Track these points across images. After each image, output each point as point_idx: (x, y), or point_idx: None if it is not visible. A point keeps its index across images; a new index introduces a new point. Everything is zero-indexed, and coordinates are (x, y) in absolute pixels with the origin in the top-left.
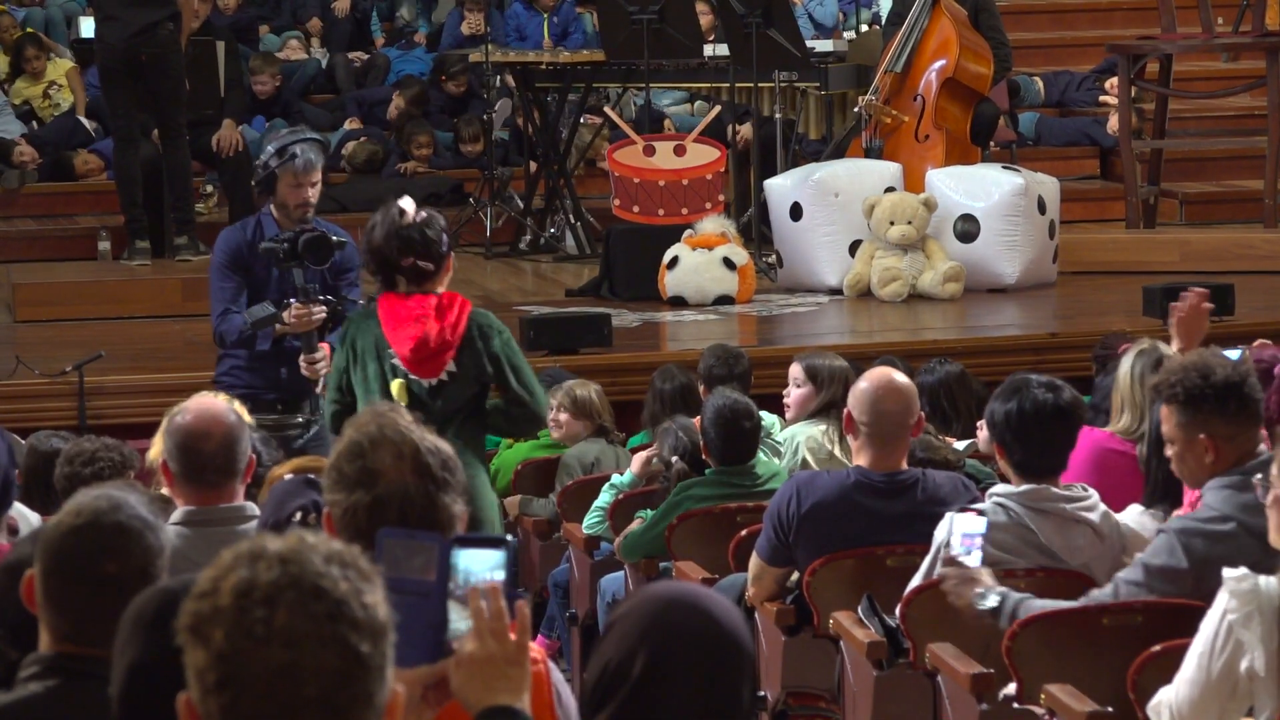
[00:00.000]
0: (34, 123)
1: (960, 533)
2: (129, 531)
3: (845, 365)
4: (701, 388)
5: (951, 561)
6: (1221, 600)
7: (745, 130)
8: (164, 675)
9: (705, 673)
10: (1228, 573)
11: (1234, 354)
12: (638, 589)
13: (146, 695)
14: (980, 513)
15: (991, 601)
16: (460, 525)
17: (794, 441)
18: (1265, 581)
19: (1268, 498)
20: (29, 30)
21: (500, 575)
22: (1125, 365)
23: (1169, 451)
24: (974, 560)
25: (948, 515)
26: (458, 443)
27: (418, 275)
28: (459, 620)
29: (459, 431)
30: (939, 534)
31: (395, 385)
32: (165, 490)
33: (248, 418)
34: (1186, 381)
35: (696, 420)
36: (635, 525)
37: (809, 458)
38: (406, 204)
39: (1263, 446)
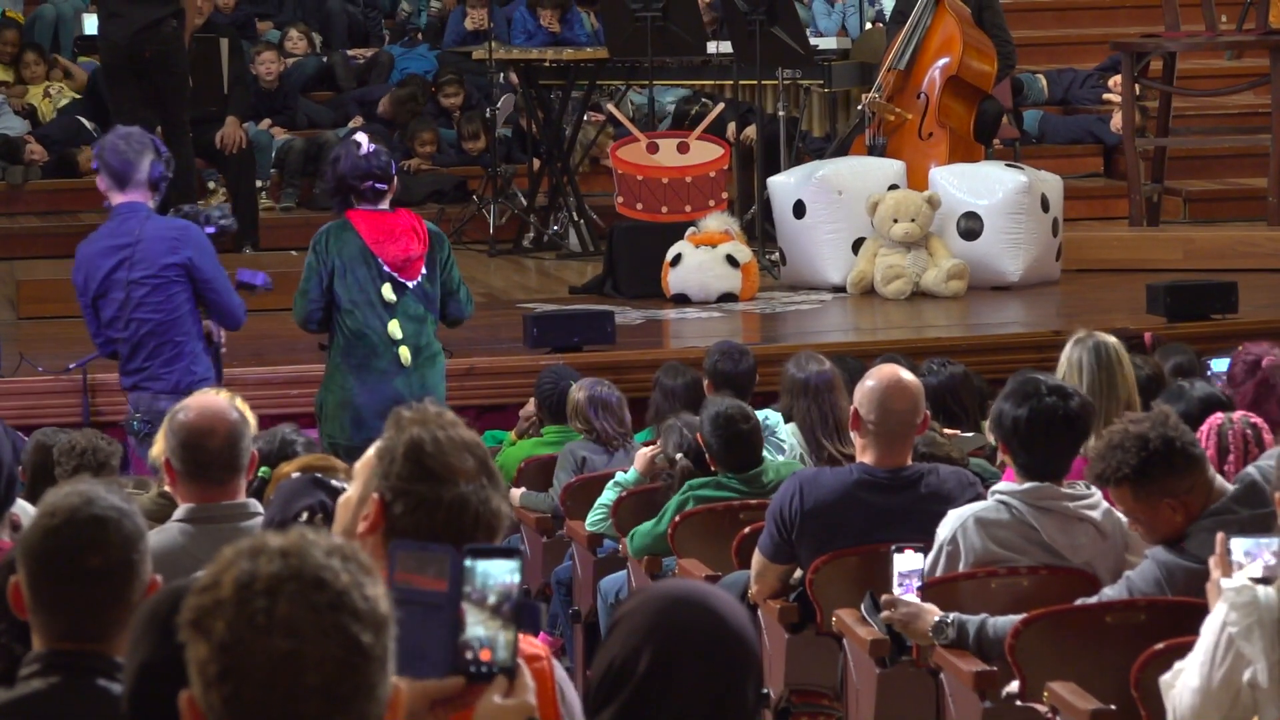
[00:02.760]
0: (35, 118)
1: (898, 570)
2: (106, 522)
3: (817, 370)
4: (706, 383)
5: (892, 602)
6: (1220, 611)
7: (750, 131)
8: (174, 674)
9: (711, 671)
10: (1226, 583)
11: (1223, 363)
12: (642, 587)
13: (156, 694)
14: (919, 549)
15: (950, 635)
16: (508, 525)
17: (789, 440)
18: (1265, 593)
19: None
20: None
21: (516, 579)
22: (1065, 357)
23: (1134, 528)
24: (911, 597)
25: (949, 513)
26: (431, 335)
27: (374, 195)
28: (477, 626)
29: (433, 325)
30: (942, 530)
31: (392, 324)
32: (168, 488)
33: (249, 414)
34: (1129, 460)
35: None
36: (646, 523)
37: (804, 455)
38: (361, 138)
39: (1218, 478)
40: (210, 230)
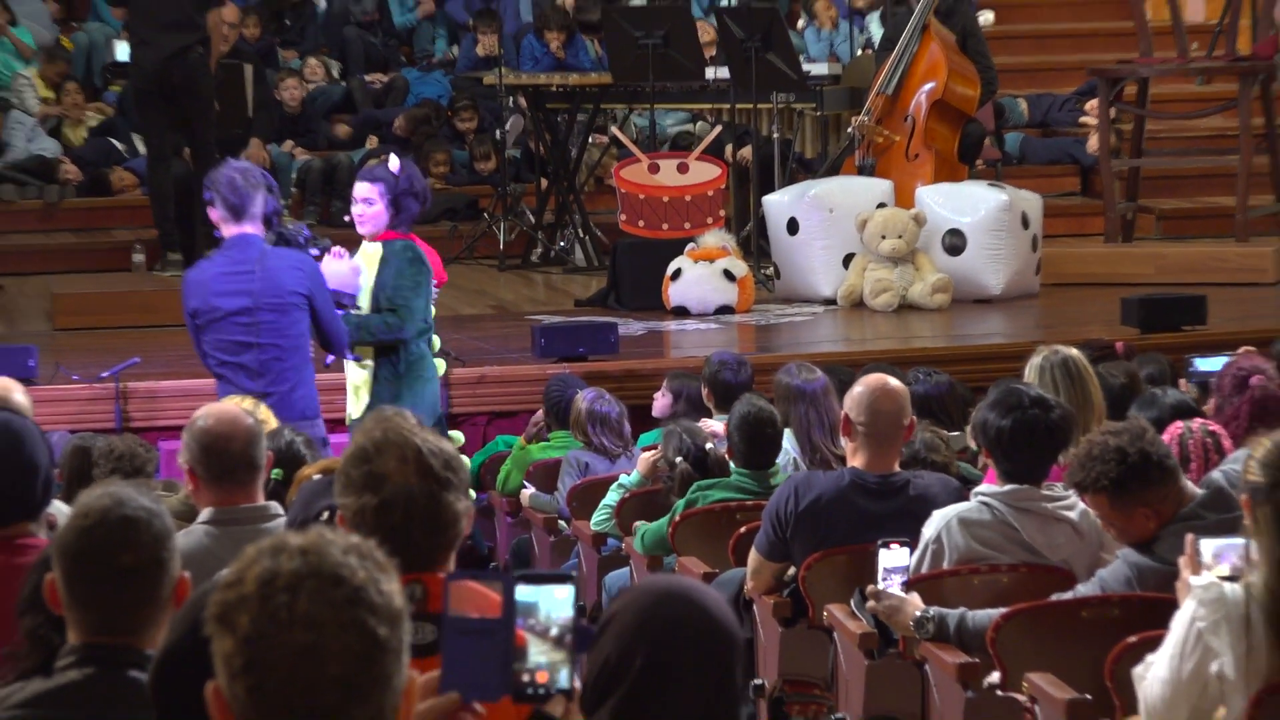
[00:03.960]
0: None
1: (883, 565)
2: (137, 523)
3: (813, 377)
4: (706, 392)
5: (876, 594)
6: (1189, 607)
7: (745, 152)
8: (193, 659)
9: (703, 661)
10: (1194, 580)
11: (1218, 362)
12: (628, 587)
13: (177, 676)
14: (904, 544)
15: (930, 629)
16: (466, 522)
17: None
18: (1231, 590)
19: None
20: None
21: (573, 611)
22: (1033, 369)
23: (1107, 529)
24: (895, 591)
25: (934, 514)
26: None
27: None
28: (539, 655)
29: None
30: (928, 529)
31: (435, 339)
32: (190, 493)
33: (268, 417)
34: (1109, 472)
35: (702, 423)
36: (656, 523)
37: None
38: (395, 160)
39: (1189, 484)
40: (314, 253)
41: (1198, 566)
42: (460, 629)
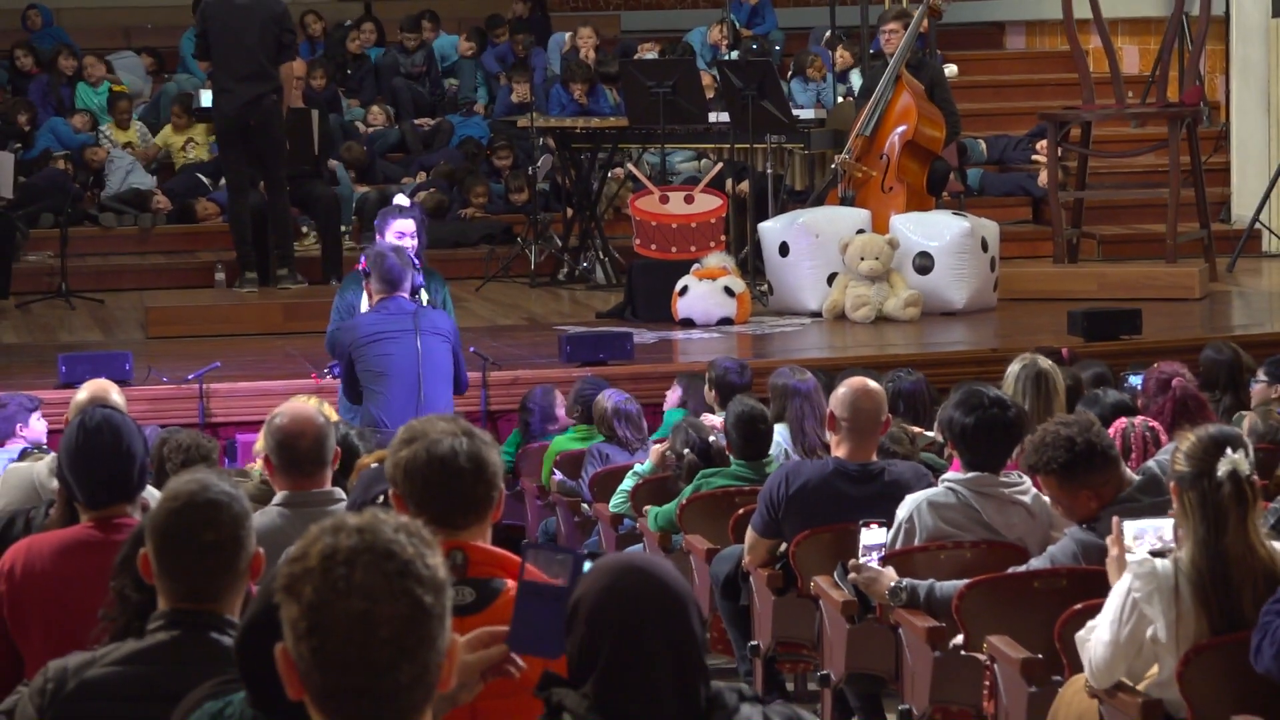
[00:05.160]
0: (159, 173)
1: (864, 543)
2: (219, 505)
3: (805, 378)
4: (713, 393)
5: (857, 567)
6: (1126, 579)
7: (744, 185)
8: (270, 628)
9: (664, 620)
10: (1130, 558)
11: (1138, 378)
12: (590, 572)
13: (257, 643)
14: (883, 524)
15: (902, 598)
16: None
17: (775, 439)
18: (1162, 565)
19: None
20: (183, 93)
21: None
22: (1011, 375)
23: (1055, 508)
24: (874, 565)
25: (906, 498)
26: None
27: None
28: None
29: None
30: (901, 511)
31: None
32: (267, 477)
33: (334, 416)
34: (1058, 457)
35: (704, 418)
36: (666, 505)
37: (789, 451)
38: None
39: (1128, 471)
40: (419, 283)
41: (1121, 545)
42: (532, 591)
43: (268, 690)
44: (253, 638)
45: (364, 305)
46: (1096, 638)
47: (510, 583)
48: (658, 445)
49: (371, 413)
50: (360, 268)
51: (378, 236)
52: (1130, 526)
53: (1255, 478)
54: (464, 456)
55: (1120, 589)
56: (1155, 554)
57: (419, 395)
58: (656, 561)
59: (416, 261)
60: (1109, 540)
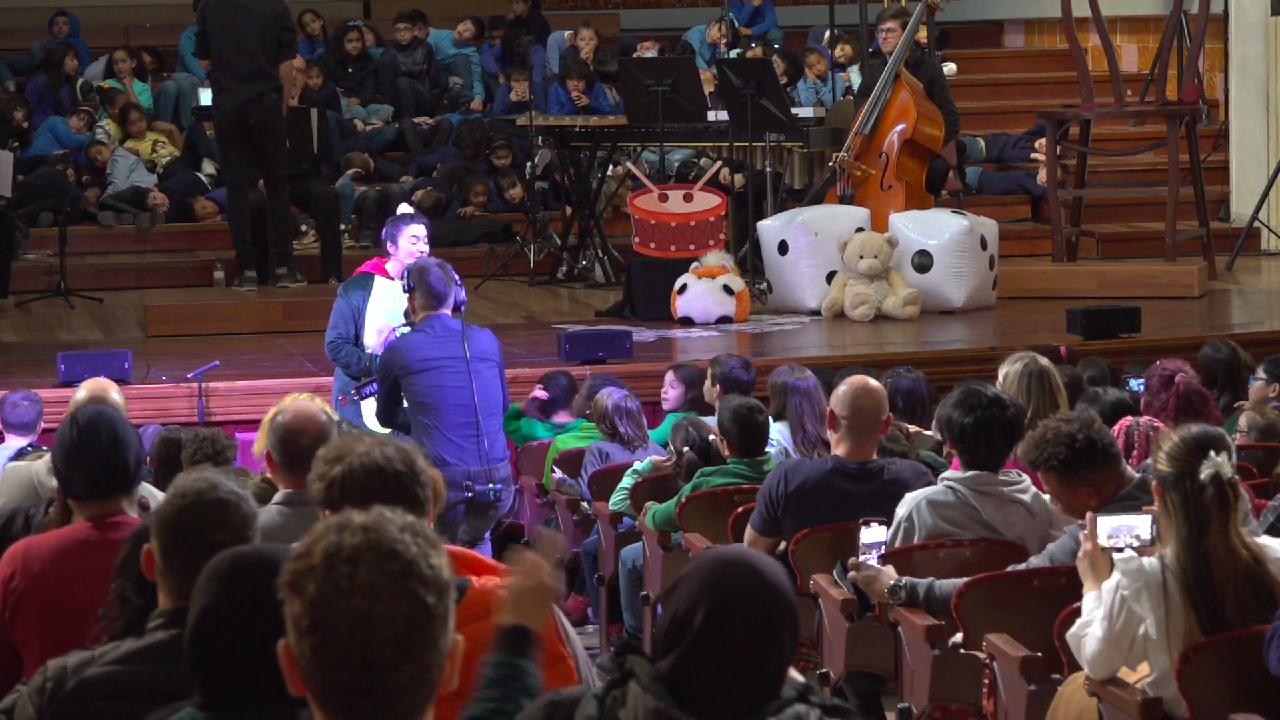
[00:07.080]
0: (157, 173)
1: (864, 541)
2: (227, 504)
3: (805, 376)
4: (717, 388)
5: (856, 566)
6: (1115, 578)
7: (739, 177)
8: (228, 620)
9: (755, 619)
10: (1117, 557)
11: (1140, 381)
12: (701, 554)
13: (212, 636)
14: (883, 523)
15: (902, 596)
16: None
17: (775, 437)
18: (1149, 563)
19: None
20: (131, 102)
21: None
22: (1005, 375)
23: (1055, 504)
24: (873, 563)
25: (906, 497)
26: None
27: None
28: None
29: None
30: (900, 510)
31: None
32: (269, 475)
33: (335, 415)
34: (1059, 453)
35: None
36: (665, 503)
37: (788, 449)
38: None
39: (1128, 469)
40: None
41: (1095, 541)
42: None
43: (221, 686)
44: (204, 633)
45: (369, 308)
46: (1091, 634)
47: (475, 579)
48: (659, 459)
49: (426, 446)
50: (402, 280)
51: (389, 245)
52: (1105, 524)
53: (1237, 479)
54: (396, 461)
55: (1109, 587)
56: (1138, 549)
57: (477, 430)
58: (767, 564)
59: (457, 277)
60: (1082, 536)
